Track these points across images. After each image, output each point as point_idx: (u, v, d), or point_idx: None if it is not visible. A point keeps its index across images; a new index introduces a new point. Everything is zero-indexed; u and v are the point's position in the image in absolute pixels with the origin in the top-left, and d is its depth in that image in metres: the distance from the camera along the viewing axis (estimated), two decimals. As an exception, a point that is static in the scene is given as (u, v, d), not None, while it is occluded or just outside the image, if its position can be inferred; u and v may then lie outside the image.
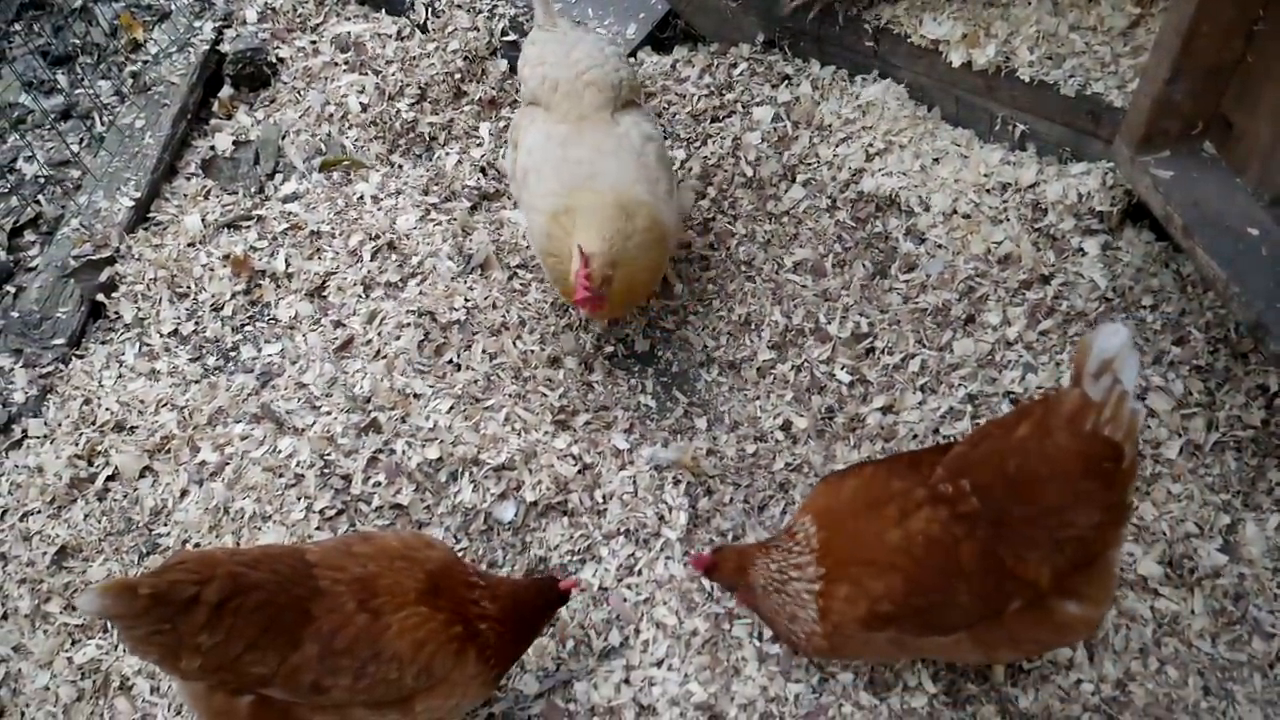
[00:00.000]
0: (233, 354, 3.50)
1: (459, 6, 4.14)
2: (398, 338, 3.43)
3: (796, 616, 2.47)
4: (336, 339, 3.47)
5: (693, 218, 3.66)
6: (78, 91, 4.32)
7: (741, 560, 2.57)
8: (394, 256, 3.63)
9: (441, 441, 3.21)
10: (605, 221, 2.89)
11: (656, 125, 3.26)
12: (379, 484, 3.17)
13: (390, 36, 4.18)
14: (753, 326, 3.42)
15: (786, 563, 2.47)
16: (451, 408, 3.28)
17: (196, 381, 3.44)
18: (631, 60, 3.85)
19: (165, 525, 3.20)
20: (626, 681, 2.84)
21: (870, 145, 3.69)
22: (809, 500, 2.61)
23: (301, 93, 4.13)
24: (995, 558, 2.27)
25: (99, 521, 3.22)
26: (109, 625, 3.04)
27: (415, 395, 3.31)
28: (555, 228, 3.00)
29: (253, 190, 3.92)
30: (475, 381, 3.35)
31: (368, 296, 3.56)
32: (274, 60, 4.21)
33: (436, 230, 3.68)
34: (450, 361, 3.41)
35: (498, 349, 3.41)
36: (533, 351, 3.42)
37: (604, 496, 3.14)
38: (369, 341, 3.45)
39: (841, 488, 2.50)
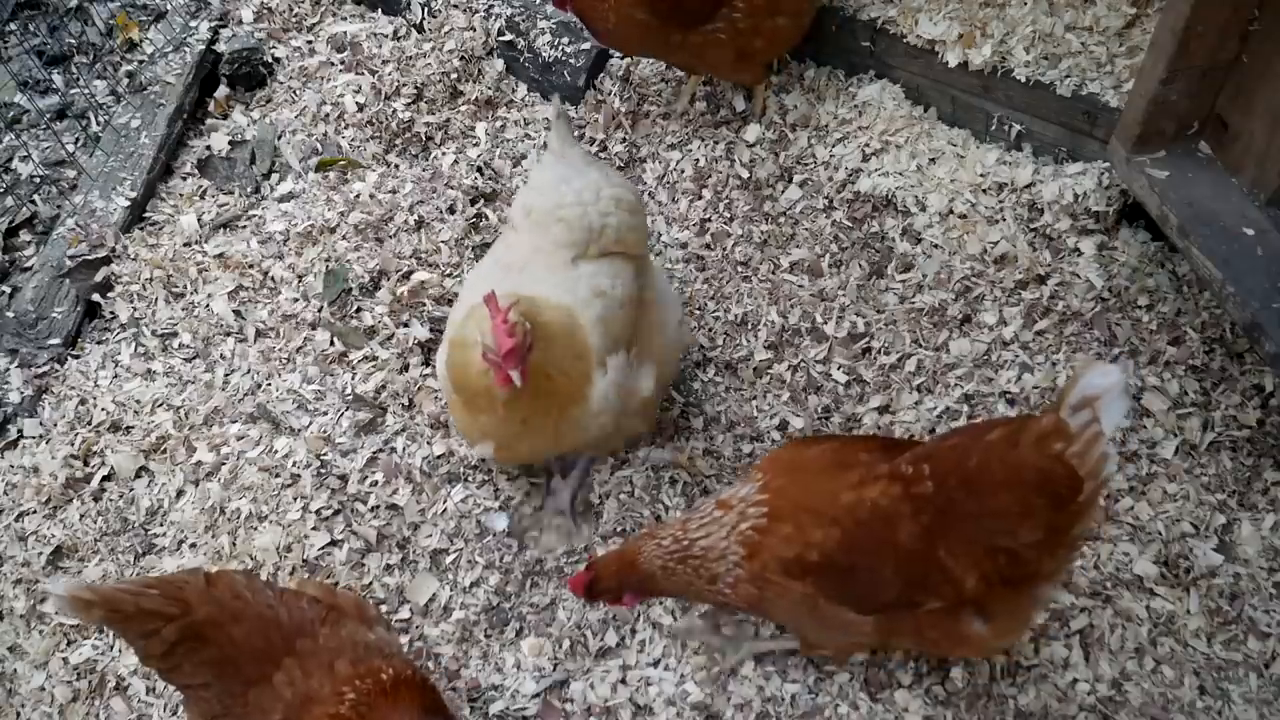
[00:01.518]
0: (228, 353, 3.49)
1: (455, 6, 4.14)
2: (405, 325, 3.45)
3: (716, 573, 2.47)
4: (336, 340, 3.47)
5: (688, 218, 3.65)
6: (73, 91, 4.31)
7: (622, 560, 2.55)
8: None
9: (447, 438, 3.22)
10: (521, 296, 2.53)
11: (630, 286, 2.80)
12: (375, 483, 3.17)
13: (386, 36, 4.17)
14: (749, 326, 3.42)
15: (685, 533, 2.48)
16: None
17: (192, 381, 3.44)
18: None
19: (161, 525, 3.19)
20: (623, 681, 2.84)
21: (867, 145, 3.69)
22: (768, 456, 2.63)
23: (297, 92, 4.12)
24: (931, 546, 2.31)
25: (95, 522, 3.22)
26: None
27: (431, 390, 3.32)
28: (456, 351, 2.65)
29: (249, 190, 3.91)
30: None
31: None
32: (270, 60, 4.20)
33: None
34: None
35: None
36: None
37: (600, 496, 3.13)
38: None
39: (810, 447, 2.56)
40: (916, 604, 2.39)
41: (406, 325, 3.44)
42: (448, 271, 3.56)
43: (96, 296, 3.65)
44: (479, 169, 3.83)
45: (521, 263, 2.77)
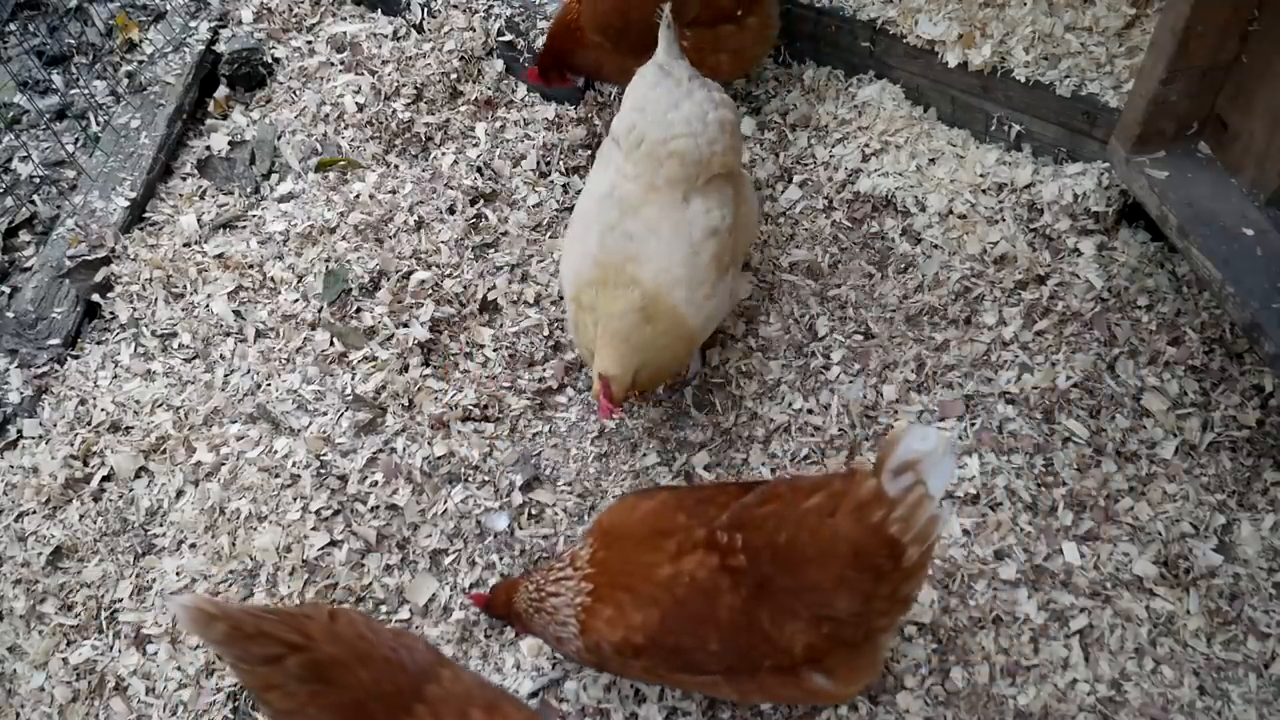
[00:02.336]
0: (228, 354, 3.49)
1: (455, 7, 4.14)
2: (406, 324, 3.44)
3: (560, 637, 2.48)
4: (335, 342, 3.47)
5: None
6: (73, 91, 4.31)
7: (508, 592, 2.58)
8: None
9: (448, 439, 3.22)
10: (624, 344, 2.82)
11: (731, 209, 2.97)
12: (375, 484, 3.17)
13: (386, 37, 4.17)
14: (748, 327, 3.42)
15: (545, 583, 2.49)
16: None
17: (192, 382, 3.44)
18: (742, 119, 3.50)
19: (161, 526, 3.20)
20: (615, 682, 2.84)
21: (866, 146, 3.69)
22: (601, 515, 2.60)
23: (297, 93, 4.12)
24: (754, 617, 2.28)
25: (94, 522, 3.22)
26: (102, 624, 3.05)
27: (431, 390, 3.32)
28: (580, 313, 2.92)
29: (248, 190, 3.91)
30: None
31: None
32: (270, 60, 4.20)
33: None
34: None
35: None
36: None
37: (599, 497, 3.14)
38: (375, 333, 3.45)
39: (635, 510, 2.50)
40: (755, 666, 2.37)
41: (406, 325, 3.44)
42: (447, 272, 3.56)
43: (96, 297, 3.65)
44: (479, 169, 3.83)
45: (636, 202, 2.88)
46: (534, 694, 2.84)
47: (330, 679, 2.14)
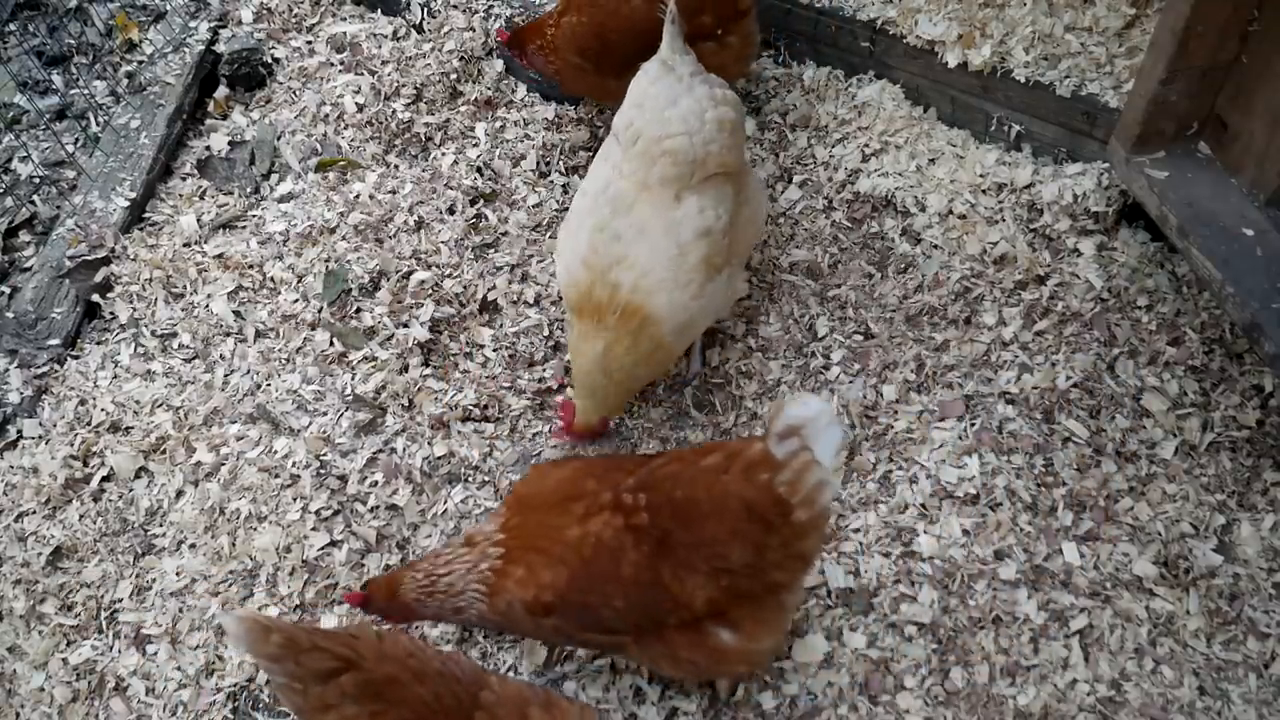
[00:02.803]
0: (228, 354, 3.49)
1: (455, 7, 4.14)
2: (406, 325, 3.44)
3: (459, 607, 2.53)
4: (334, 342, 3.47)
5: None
6: (73, 92, 4.31)
7: (390, 585, 2.60)
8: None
9: (448, 439, 3.22)
10: (590, 398, 3.01)
11: (729, 208, 2.97)
12: (375, 484, 3.17)
13: (386, 37, 4.18)
14: (748, 327, 3.42)
15: (435, 568, 2.53)
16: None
17: (192, 382, 3.44)
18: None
19: (161, 526, 3.20)
20: (613, 683, 2.84)
21: (866, 146, 3.69)
22: (516, 484, 2.66)
23: (297, 93, 4.12)
24: (656, 572, 2.38)
25: (94, 522, 3.22)
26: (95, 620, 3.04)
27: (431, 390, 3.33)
28: (572, 318, 3.02)
29: (248, 191, 3.91)
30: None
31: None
32: (269, 60, 4.20)
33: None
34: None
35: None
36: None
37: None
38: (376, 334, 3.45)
39: (547, 478, 2.58)
40: (660, 624, 2.44)
41: (406, 326, 3.44)
42: (447, 272, 3.55)
43: (96, 297, 3.65)
44: (479, 169, 3.83)
45: (629, 200, 2.90)
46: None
47: (388, 697, 2.18)
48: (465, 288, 3.52)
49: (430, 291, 3.51)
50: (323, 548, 3.07)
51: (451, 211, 3.71)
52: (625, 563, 2.39)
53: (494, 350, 3.42)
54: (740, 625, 2.45)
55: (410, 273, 3.55)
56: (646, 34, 3.11)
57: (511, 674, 2.87)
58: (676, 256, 2.89)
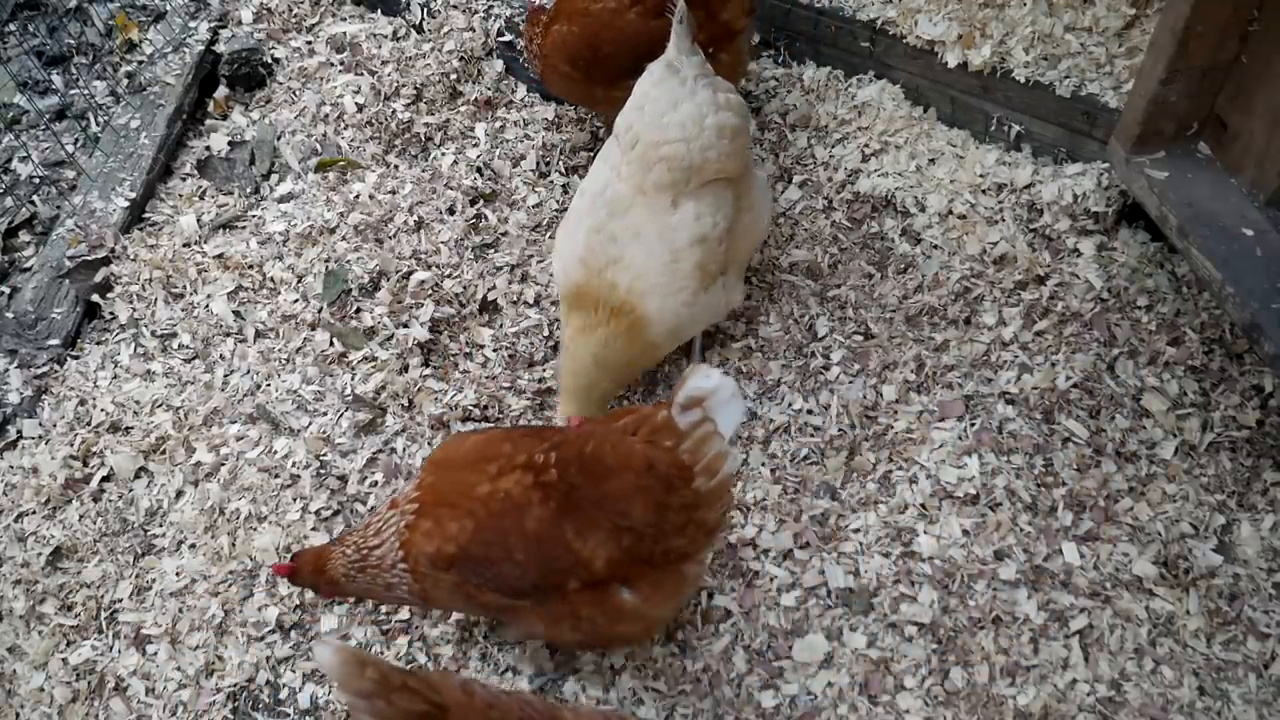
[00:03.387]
0: (228, 354, 3.49)
1: (455, 7, 4.14)
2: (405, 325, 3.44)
3: (390, 583, 2.55)
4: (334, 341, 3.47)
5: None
6: (73, 92, 4.31)
7: (318, 560, 2.63)
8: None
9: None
10: (578, 397, 3.00)
11: (728, 214, 2.98)
12: (375, 484, 3.17)
13: (386, 37, 4.17)
14: (748, 327, 3.42)
15: (364, 540, 2.57)
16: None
17: (192, 382, 3.44)
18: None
19: (161, 526, 3.19)
20: (613, 683, 2.84)
21: (866, 146, 3.69)
22: (435, 450, 2.69)
23: (297, 93, 4.12)
24: (560, 529, 2.43)
25: (94, 522, 3.22)
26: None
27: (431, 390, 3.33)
28: (566, 314, 3.06)
29: (248, 191, 3.91)
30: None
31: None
32: (269, 61, 4.20)
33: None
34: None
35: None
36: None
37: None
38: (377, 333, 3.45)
39: (465, 441, 2.63)
40: (560, 585, 2.47)
41: (406, 326, 3.44)
42: (447, 272, 3.55)
43: (96, 297, 3.65)
44: (479, 169, 3.83)
45: (625, 203, 2.92)
46: (532, 694, 2.83)
47: None
48: (465, 288, 3.52)
49: (430, 291, 3.51)
50: (323, 548, 3.07)
51: (451, 211, 3.71)
52: (530, 518, 2.44)
53: (494, 350, 3.42)
54: (640, 587, 2.50)
55: (410, 273, 3.55)
56: (640, 46, 3.14)
57: (510, 675, 2.87)
58: (670, 262, 2.90)
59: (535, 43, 3.48)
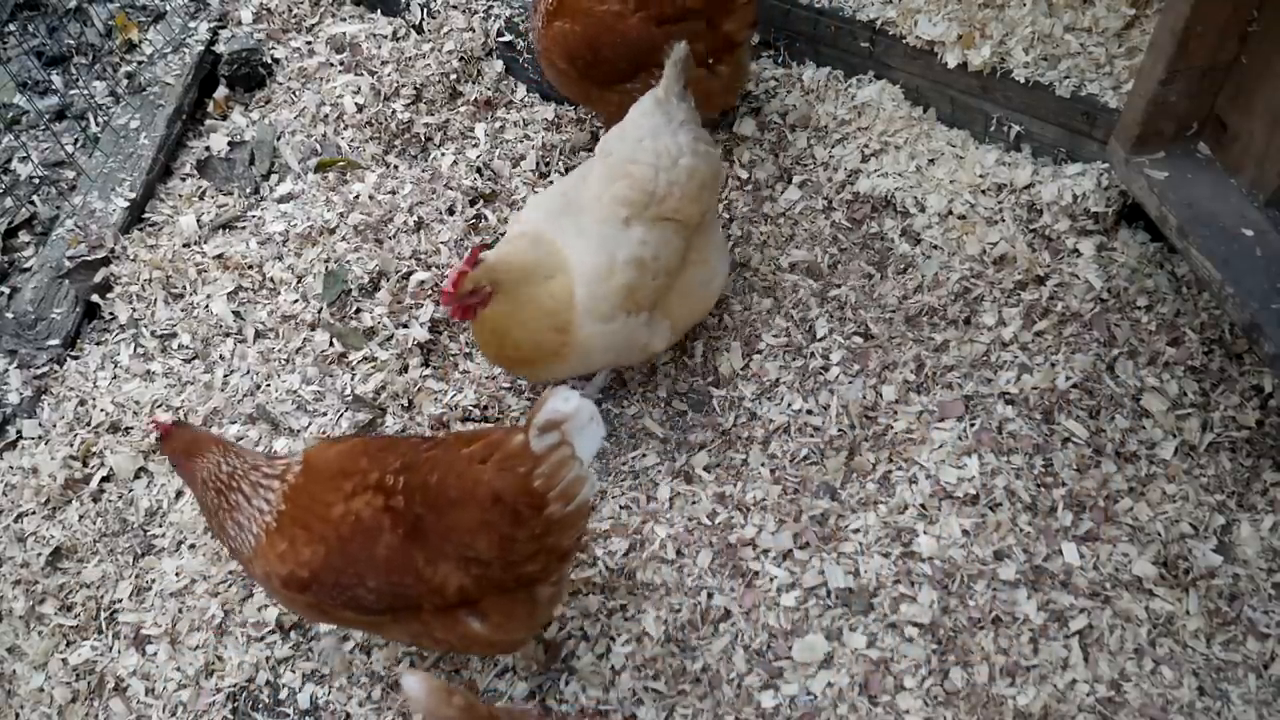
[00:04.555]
0: (228, 354, 3.49)
1: (454, 7, 4.14)
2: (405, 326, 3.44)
3: (230, 532, 2.53)
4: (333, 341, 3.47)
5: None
6: (72, 92, 4.31)
7: (194, 445, 2.57)
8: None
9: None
10: (516, 251, 2.84)
11: (671, 255, 2.94)
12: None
13: (386, 37, 4.17)
14: (748, 327, 3.42)
15: (249, 470, 2.53)
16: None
17: (191, 382, 3.44)
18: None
19: (160, 526, 3.20)
20: (614, 682, 2.84)
21: (866, 146, 3.69)
22: (311, 448, 2.65)
23: (297, 93, 4.13)
24: (409, 557, 2.40)
25: (94, 523, 3.22)
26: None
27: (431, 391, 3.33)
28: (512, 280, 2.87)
29: (248, 191, 3.91)
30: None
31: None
32: (269, 61, 4.20)
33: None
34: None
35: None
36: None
37: (599, 497, 3.14)
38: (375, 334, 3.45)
39: (330, 449, 2.58)
40: (415, 607, 2.46)
41: (406, 326, 3.44)
42: (447, 272, 3.55)
43: (96, 297, 3.65)
44: (478, 170, 3.83)
45: (581, 206, 2.92)
46: (530, 695, 2.84)
47: None
48: (465, 288, 3.52)
49: (430, 292, 3.51)
50: (322, 548, 3.07)
51: (451, 212, 3.71)
52: (380, 544, 2.41)
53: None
54: (489, 616, 2.48)
55: (410, 273, 3.55)
56: (640, 53, 3.18)
57: (510, 673, 2.87)
58: (605, 271, 2.87)
59: (534, 36, 3.50)
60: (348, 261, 3.59)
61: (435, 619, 2.48)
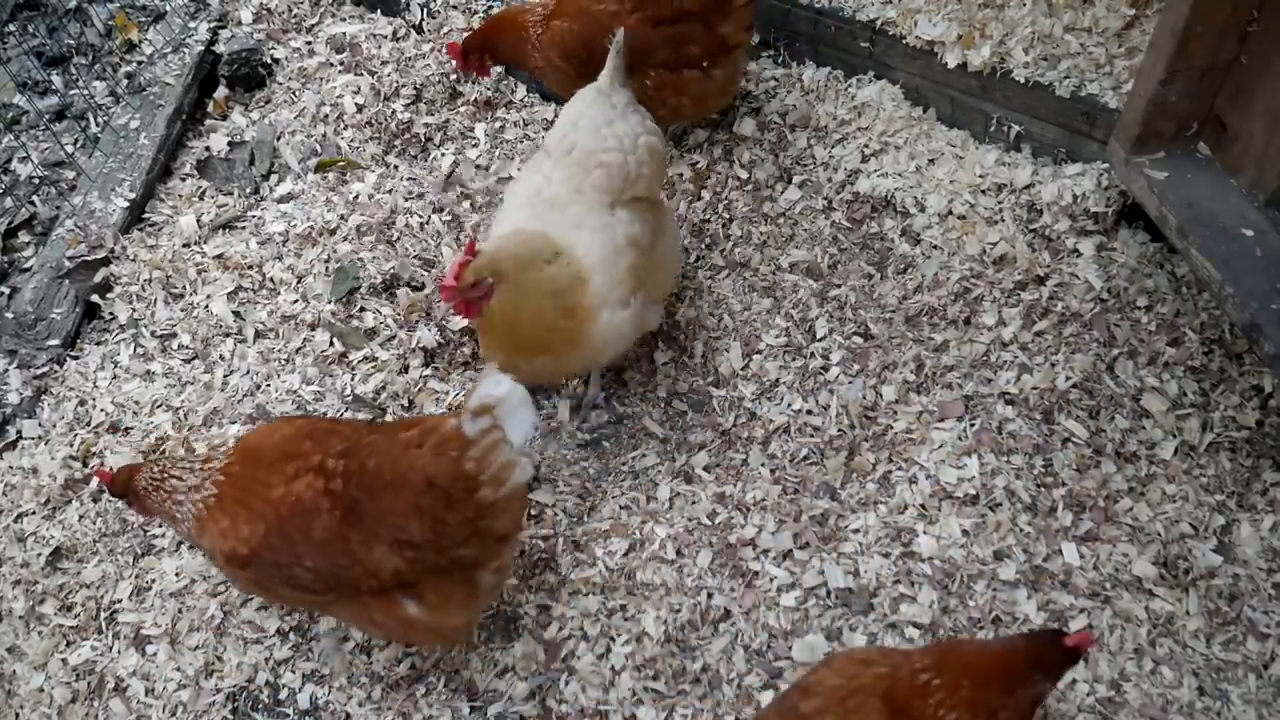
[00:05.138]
0: (228, 354, 3.49)
1: (454, 7, 4.14)
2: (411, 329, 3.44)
3: (175, 516, 2.62)
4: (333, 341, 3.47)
5: (687, 219, 3.66)
6: (72, 92, 4.31)
7: (130, 472, 2.70)
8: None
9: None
10: (518, 243, 2.81)
11: (650, 232, 3.01)
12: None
13: (385, 37, 4.18)
14: (748, 327, 3.42)
15: (171, 466, 2.64)
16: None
17: (191, 382, 3.44)
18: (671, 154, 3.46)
19: (160, 526, 3.19)
20: (613, 684, 2.84)
21: (866, 146, 3.69)
22: (249, 433, 2.73)
23: (297, 93, 4.12)
24: (346, 538, 2.46)
25: (94, 523, 3.22)
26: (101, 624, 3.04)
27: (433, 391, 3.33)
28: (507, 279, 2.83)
29: (248, 191, 3.91)
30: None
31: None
32: (269, 61, 4.20)
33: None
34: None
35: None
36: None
37: (599, 497, 3.14)
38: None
39: (275, 434, 2.64)
40: (354, 588, 2.50)
41: (413, 329, 3.44)
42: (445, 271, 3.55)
43: (95, 297, 3.65)
44: (478, 169, 3.82)
45: (564, 201, 2.93)
46: (530, 696, 2.84)
47: None
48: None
49: (434, 293, 3.51)
50: (322, 548, 3.06)
51: (452, 213, 3.70)
52: (318, 525, 2.46)
53: (494, 351, 3.42)
54: (426, 598, 2.52)
55: (413, 275, 3.54)
56: (636, 52, 3.19)
57: (512, 671, 2.87)
58: (613, 253, 2.90)
59: (532, 32, 3.51)
60: (359, 259, 3.58)
61: (374, 601, 2.53)
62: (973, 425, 3.15)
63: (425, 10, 4.17)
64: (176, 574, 3.09)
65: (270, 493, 2.51)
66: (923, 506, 3.03)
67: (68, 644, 3.03)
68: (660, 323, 3.24)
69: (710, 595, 2.94)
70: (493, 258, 2.74)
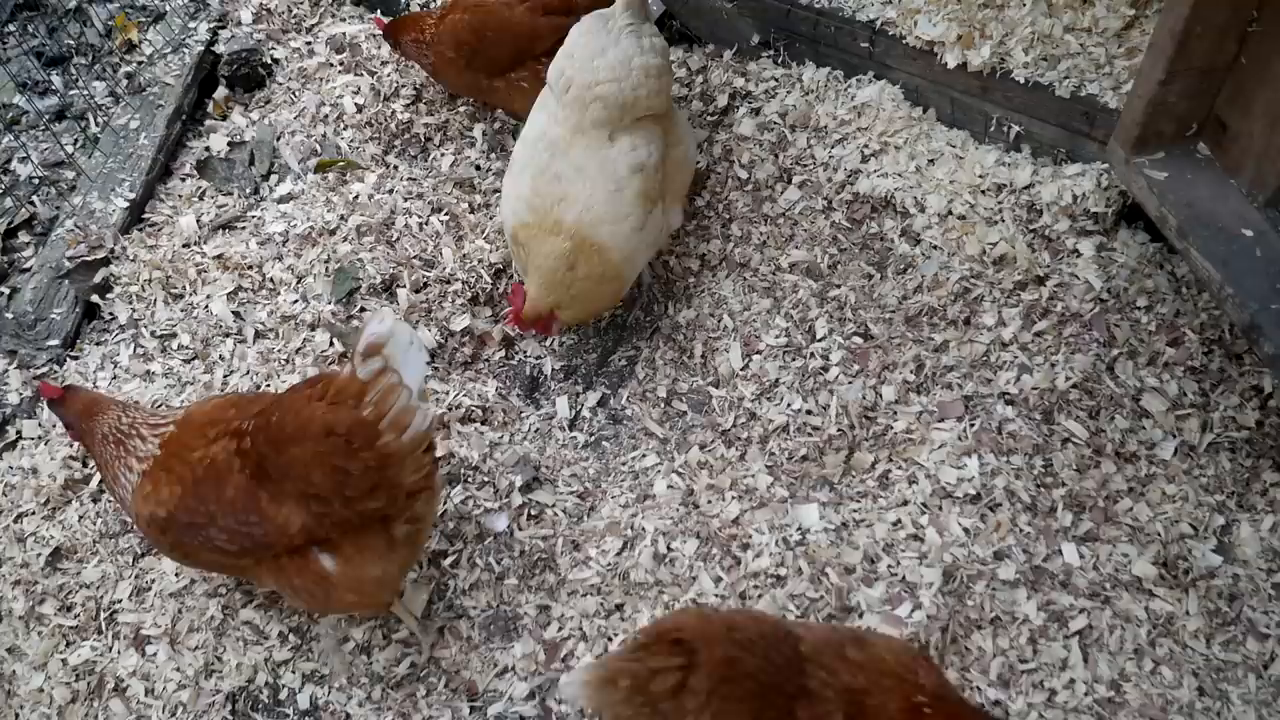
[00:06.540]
0: (227, 354, 3.49)
1: (454, 7, 4.14)
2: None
3: (119, 477, 2.66)
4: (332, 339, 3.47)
5: (684, 220, 3.66)
6: (72, 92, 4.31)
7: (95, 405, 2.71)
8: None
9: (448, 440, 3.21)
10: (551, 275, 3.09)
11: (660, 146, 3.18)
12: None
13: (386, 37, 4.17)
14: (747, 327, 3.42)
15: (140, 423, 2.66)
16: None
17: (191, 383, 3.44)
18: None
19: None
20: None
21: (866, 146, 3.69)
22: (192, 405, 2.78)
23: (296, 94, 4.13)
24: (255, 496, 2.50)
25: (93, 523, 3.22)
26: (101, 619, 3.04)
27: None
28: (516, 247, 3.21)
29: (248, 191, 3.91)
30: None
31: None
32: (269, 61, 4.20)
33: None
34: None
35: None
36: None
37: (598, 497, 3.14)
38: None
39: (208, 403, 2.73)
40: (269, 548, 2.53)
41: (414, 329, 3.44)
42: (448, 272, 3.55)
43: (95, 298, 3.65)
44: (478, 169, 3.82)
45: (565, 144, 3.11)
46: (529, 696, 2.84)
47: (732, 677, 2.16)
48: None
49: (439, 295, 3.51)
50: (322, 548, 3.07)
51: (451, 213, 3.70)
52: (229, 485, 2.51)
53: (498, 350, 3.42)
54: (341, 550, 2.53)
55: (414, 275, 3.54)
56: (521, 39, 3.36)
57: (512, 671, 2.87)
58: (614, 192, 3.08)
59: (428, 32, 3.63)
60: (359, 259, 3.58)
61: (290, 562, 2.55)
62: (973, 425, 3.15)
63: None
64: (176, 574, 3.09)
65: (190, 456, 2.56)
66: (923, 506, 3.03)
67: (67, 644, 3.03)
68: (681, 222, 3.46)
69: (709, 594, 2.94)
70: (540, 303, 3.09)
